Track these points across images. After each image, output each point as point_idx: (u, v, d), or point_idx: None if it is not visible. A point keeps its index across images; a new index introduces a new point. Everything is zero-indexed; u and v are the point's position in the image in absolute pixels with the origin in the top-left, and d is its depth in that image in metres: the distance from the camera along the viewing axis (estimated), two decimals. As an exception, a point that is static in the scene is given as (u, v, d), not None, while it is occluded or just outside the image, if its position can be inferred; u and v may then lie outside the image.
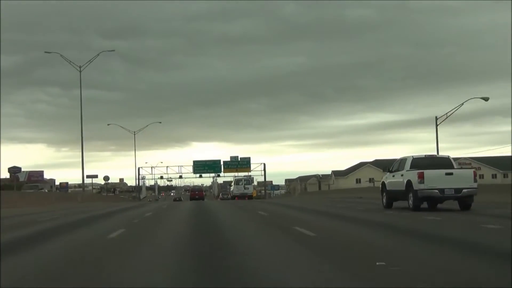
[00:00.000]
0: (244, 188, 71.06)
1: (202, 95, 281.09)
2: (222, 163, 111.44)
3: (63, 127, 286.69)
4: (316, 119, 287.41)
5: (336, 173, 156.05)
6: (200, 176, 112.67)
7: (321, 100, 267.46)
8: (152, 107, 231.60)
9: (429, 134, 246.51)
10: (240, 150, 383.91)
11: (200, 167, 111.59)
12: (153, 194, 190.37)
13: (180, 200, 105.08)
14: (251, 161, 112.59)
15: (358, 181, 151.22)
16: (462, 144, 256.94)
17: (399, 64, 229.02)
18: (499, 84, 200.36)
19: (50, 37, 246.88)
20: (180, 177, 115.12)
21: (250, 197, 68.03)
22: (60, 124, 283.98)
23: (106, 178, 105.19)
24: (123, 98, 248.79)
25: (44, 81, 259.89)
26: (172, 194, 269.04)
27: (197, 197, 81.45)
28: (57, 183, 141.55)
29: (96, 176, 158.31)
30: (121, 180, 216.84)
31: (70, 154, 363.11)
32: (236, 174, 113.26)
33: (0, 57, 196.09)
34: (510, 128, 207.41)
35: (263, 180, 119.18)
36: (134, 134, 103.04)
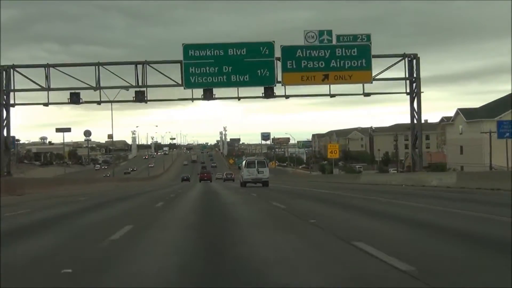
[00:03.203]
0: (258, 172, 56.33)
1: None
2: (280, 49, 45.37)
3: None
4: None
5: (468, 115, 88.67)
6: (211, 96, 46.93)
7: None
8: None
9: (435, 92, 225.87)
10: (246, 109, 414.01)
11: (202, 69, 45.66)
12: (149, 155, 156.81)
13: (188, 180, 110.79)
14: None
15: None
16: (465, 102, 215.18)
17: (407, 19, 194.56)
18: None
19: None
20: (139, 100, 47.20)
21: (265, 183, 55.24)
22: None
23: (87, 133, 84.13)
24: (123, 54, 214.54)
25: (41, 36, 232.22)
26: (162, 153, 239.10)
27: (205, 178, 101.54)
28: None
29: (68, 130, 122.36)
30: (110, 136, 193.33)
31: (72, 113, 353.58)
32: (329, 90, 48.24)
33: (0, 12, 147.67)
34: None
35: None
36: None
